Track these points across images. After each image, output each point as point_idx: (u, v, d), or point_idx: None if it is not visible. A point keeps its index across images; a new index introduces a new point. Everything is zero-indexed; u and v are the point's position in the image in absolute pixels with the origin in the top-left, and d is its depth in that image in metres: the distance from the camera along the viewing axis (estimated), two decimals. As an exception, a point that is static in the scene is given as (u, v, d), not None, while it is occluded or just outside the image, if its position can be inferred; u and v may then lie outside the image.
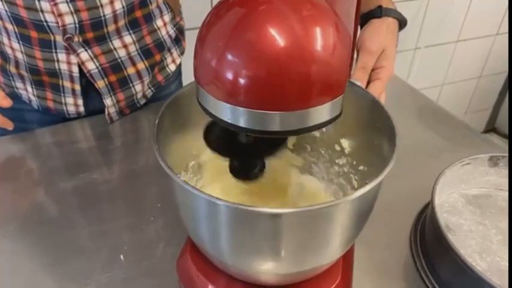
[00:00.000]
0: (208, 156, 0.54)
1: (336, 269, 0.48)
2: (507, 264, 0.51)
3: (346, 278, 0.48)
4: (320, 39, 0.32)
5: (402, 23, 0.67)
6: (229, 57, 0.32)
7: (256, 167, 0.44)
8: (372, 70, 0.61)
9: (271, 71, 0.31)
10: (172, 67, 0.86)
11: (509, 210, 0.59)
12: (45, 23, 0.66)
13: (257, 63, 0.31)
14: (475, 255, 0.53)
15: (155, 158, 0.38)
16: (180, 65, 0.90)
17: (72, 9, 0.65)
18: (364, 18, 0.66)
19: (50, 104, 0.78)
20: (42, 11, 0.65)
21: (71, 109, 0.79)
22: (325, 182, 0.56)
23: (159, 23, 0.78)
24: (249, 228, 0.36)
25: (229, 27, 0.33)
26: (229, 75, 0.32)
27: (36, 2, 0.64)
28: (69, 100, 0.77)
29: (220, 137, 0.42)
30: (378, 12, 0.65)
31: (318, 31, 0.32)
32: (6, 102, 0.69)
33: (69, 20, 0.66)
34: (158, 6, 0.77)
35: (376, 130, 0.45)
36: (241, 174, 0.44)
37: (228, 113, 0.34)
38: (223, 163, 0.56)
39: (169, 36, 0.81)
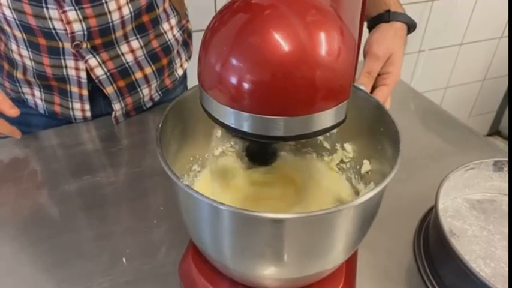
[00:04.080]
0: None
1: (338, 274, 0.48)
2: (511, 269, 0.51)
3: (349, 282, 0.48)
4: (324, 44, 0.32)
5: (411, 27, 0.66)
6: (234, 61, 0.32)
7: (270, 152, 0.50)
8: (378, 75, 0.61)
9: (275, 76, 0.31)
10: (180, 71, 0.86)
11: (509, 213, 0.58)
12: (53, 31, 0.66)
13: (261, 68, 0.31)
14: (479, 261, 0.52)
15: (159, 161, 0.38)
16: (185, 69, 0.90)
17: (80, 16, 0.65)
18: (372, 22, 0.66)
19: (57, 109, 0.79)
20: (50, 19, 0.65)
21: (78, 114, 0.79)
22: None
23: (165, 26, 0.78)
24: (251, 233, 0.36)
25: (233, 32, 0.33)
26: (234, 80, 0.32)
27: (45, 10, 0.64)
28: (76, 105, 0.78)
29: None
30: (386, 17, 0.64)
31: (322, 36, 0.32)
32: (13, 111, 0.69)
33: (77, 27, 0.66)
34: (165, 10, 0.77)
35: (380, 135, 0.45)
36: (256, 159, 0.51)
37: (232, 118, 0.34)
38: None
39: (176, 39, 0.81)
